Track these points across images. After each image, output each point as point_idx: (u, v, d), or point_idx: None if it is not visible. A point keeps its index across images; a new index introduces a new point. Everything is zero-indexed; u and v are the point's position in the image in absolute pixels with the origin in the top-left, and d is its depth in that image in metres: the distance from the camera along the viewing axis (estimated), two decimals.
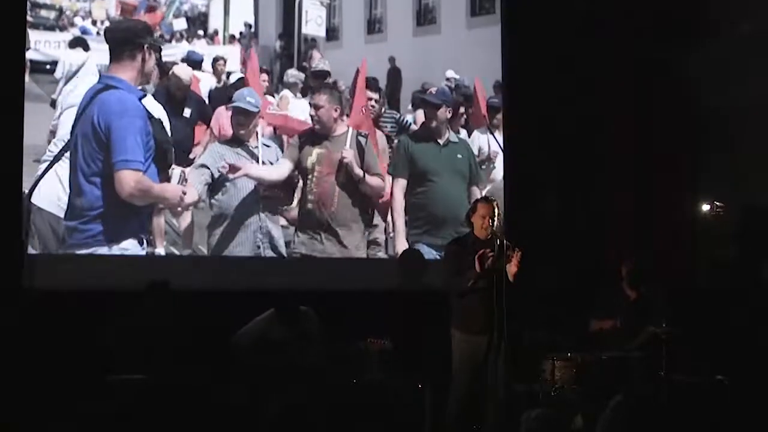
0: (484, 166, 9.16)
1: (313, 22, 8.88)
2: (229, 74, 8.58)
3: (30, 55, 7.88)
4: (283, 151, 8.49)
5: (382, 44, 9.11)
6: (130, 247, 7.69)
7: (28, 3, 7.89)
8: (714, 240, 8.89)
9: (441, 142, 8.85)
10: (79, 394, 6.85)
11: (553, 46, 9.22)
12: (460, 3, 9.29)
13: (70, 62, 7.95)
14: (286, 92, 8.70)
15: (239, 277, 8.06)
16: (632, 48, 9.43)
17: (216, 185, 8.19)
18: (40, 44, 7.96)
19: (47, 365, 7.18)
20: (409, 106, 9.04)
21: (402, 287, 7.71)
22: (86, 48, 8.02)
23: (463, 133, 9.13)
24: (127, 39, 7.50)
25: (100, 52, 7.90)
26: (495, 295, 6.51)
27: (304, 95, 8.69)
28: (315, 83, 8.69)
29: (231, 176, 8.13)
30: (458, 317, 6.84)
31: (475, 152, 9.08)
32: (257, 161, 8.33)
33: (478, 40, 9.29)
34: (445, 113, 8.82)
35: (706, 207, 8.34)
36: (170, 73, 8.17)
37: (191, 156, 8.20)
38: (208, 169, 8.15)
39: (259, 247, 8.26)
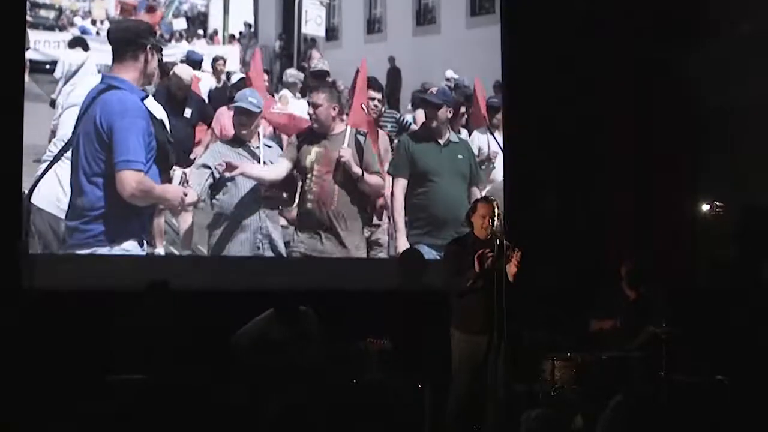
0: (483, 167, 9.16)
1: (312, 21, 8.87)
2: (228, 74, 8.58)
3: (29, 54, 7.88)
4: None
5: (381, 44, 9.10)
6: (130, 248, 7.69)
7: (28, 3, 7.89)
8: (714, 240, 8.89)
9: (441, 142, 8.85)
10: (79, 394, 6.85)
11: (553, 46, 9.22)
12: (459, 3, 9.28)
13: (70, 62, 7.95)
14: (285, 92, 8.69)
15: (239, 277, 8.06)
16: (632, 48, 9.42)
17: (217, 185, 8.20)
18: (40, 44, 7.96)
19: (47, 365, 7.17)
20: (409, 106, 9.04)
21: (402, 287, 7.71)
22: (86, 48, 8.02)
23: (464, 133, 9.12)
24: (130, 39, 7.50)
25: (99, 51, 7.92)
26: (495, 295, 6.50)
27: (303, 95, 8.68)
28: (314, 83, 8.69)
29: (227, 174, 8.13)
30: (458, 317, 6.84)
31: (475, 152, 9.08)
32: (259, 161, 8.33)
33: (478, 40, 9.29)
34: (445, 113, 8.83)
35: (706, 207, 8.34)
36: (171, 72, 8.17)
37: (192, 156, 8.20)
38: (210, 169, 8.16)
39: (259, 248, 8.26)
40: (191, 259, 8.09)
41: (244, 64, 8.67)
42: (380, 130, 8.87)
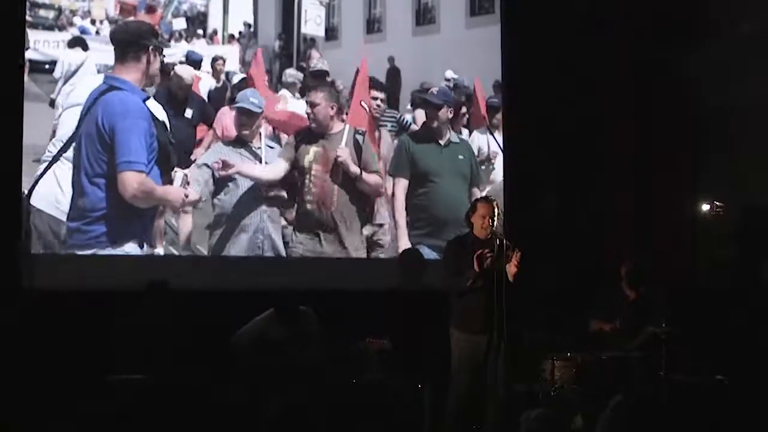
0: (483, 167, 9.16)
1: (312, 21, 8.87)
2: (228, 74, 8.58)
3: (29, 54, 7.88)
4: None
5: (381, 44, 9.10)
6: (131, 250, 7.70)
7: (27, 2, 7.89)
8: (714, 240, 8.89)
9: (442, 142, 8.85)
10: (79, 394, 6.84)
11: (552, 45, 9.22)
12: (459, 3, 9.28)
13: (69, 62, 7.95)
14: (284, 92, 8.69)
15: (239, 277, 8.06)
16: (632, 48, 9.42)
17: (218, 185, 8.19)
18: (39, 44, 7.96)
19: (47, 365, 7.18)
20: (409, 106, 9.03)
21: (402, 287, 7.70)
22: (85, 48, 8.02)
23: (465, 133, 9.12)
24: (132, 40, 7.51)
25: (99, 51, 7.93)
26: (495, 295, 6.50)
27: (302, 95, 8.67)
28: (313, 83, 8.68)
29: (222, 173, 8.12)
30: (458, 317, 6.84)
31: (475, 152, 9.07)
32: (260, 162, 8.33)
33: (478, 40, 9.28)
34: (446, 113, 8.82)
35: (706, 207, 8.33)
36: (172, 72, 8.17)
37: (193, 157, 8.19)
38: (210, 168, 8.15)
39: (260, 248, 8.26)
40: (191, 259, 8.09)
41: (244, 63, 8.67)
42: (382, 130, 8.86)
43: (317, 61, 8.81)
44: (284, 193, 8.43)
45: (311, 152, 8.43)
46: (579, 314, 7.77)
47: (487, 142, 9.22)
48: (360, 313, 7.54)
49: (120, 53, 7.52)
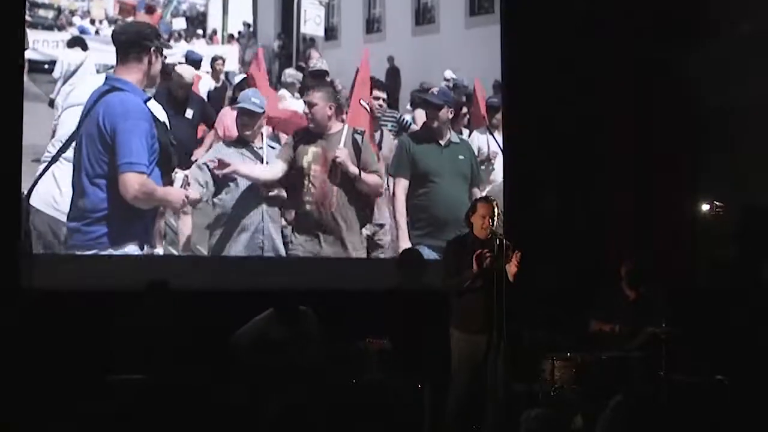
0: (483, 167, 9.15)
1: (311, 21, 8.86)
2: (227, 74, 8.57)
3: (28, 54, 7.87)
4: None
5: (380, 44, 9.09)
6: (132, 251, 7.71)
7: (27, 2, 7.88)
8: (714, 240, 8.89)
9: (442, 143, 8.84)
10: (79, 394, 6.84)
11: (552, 45, 9.22)
12: (458, 2, 9.28)
13: (69, 62, 7.95)
14: (283, 92, 8.68)
15: (239, 277, 8.06)
16: (632, 48, 9.42)
17: (219, 185, 8.18)
18: (39, 44, 7.96)
19: (47, 365, 7.18)
20: (408, 106, 9.03)
21: (402, 287, 7.69)
22: (85, 48, 8.02)
23: (465, 133, 9.11)
24: (134, 41, 7.51)
25: (98, 51, 7.92)
26: (494, 295, 6.50)
27: (302, 95, 8.66)
28: (312, 82, 8.67)
29: (217, 172, 8.10)
30: (457, 317, 6.84)
31: (475, 152, 9.07)
32: (262, 162, 8.32)
33: (477, 40, 9.28)
34: (446, 114, 8.82)
35: (706, 207, 8.33)
36: (172, 71, 8.16)
37: (193, 158, 8.19)
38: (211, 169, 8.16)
39: (261, 248, 8.25)
40: (191, 259, 8.08)
41: (243, 63, 8.67)
42: (384, 130, 8.85)
43: (317, 60, 8.81)
44: (284, 193, 8.43)
45: (310, 153, 8.42)
46: (579, 314, 7.76)
47: (487, 142, 9.22)
48: (360, 313, 7.53)
49: (121, 54, 7.53)
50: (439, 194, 8.83)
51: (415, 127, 8.96)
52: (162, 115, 7.70)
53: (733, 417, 6.91)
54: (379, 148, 8.84)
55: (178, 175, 7.94)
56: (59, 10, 8.08)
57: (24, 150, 7.65)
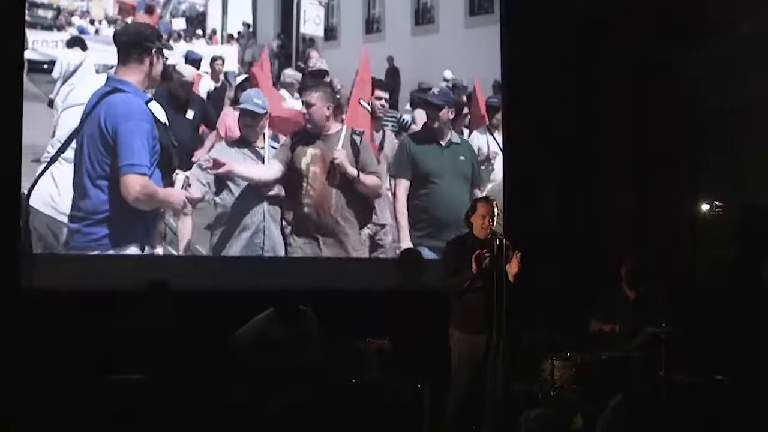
0: (483, 167, 9.15)
1: (311, 21, 8.85)
2: (226, 74, 8.56)
3: (27, 54, 7.87)
4: None
5: (380, 44, 9.09)
6: (133, 253, 7.70)
7: (26, 2, 7.87)
8: (714, 240, 8.88)
9: (443, 143, 8.83)
10: (79, 394, 6.84)
11: (552, 45, 9.21)
12: (458, 2, 9.27)
13: (68, 62, 7.94)
14: (283, 92, 8.67)
15: (239, 277, 8.06)
16: (632, 48, 9.42)
17: (219, 185, 8.17)
18: (38, 44, 7.95)
19: (47, 365, 7.18)
20: (407, 106, 9.02)
21: (401, 287, 7.69)
22: (84, 48, 8.02)
23: (466, 133, 9.11)
24: (136, 42, 7.52)
25: (98, 51, 7.93)
26: (494, 295, 6.50)
27: (301, 95, 8.65)
28: (309, 83, 8.64)
29: (211, 172, 8.07)
30: (457, 316, 6.84)
31: (475, 153, 9.07)
32: (263, 162, 8.30)
33: (477, 40, 9.28)
34: (447, 114, 8.81)
35: (706, 207, 8.33)
36: (173, 70, 8.14)
37: (194, 159, 8.17)
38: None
39: (260, 248, 8.24)
40: (191, 259, 8.08)
41: (243, 63, 8.66)
42: (386, 130, 8.83)
43: (316, 60, 8.79)
44: (284, 193, 8.41)
45: (308, 154, 8.39)
46: (579, 314, 7.76)
47: (487, 142, 9.21)
48: (360, 313, 7.53)
49: (123, 55, 7.53)
50: (439, 195, 8.83)
51: (414, 127, 8.95)
52: (162, 115, 7.69)
53: (733, 417, 6.91)
54: (381, 148, 8.82)
55: (179, 176, 7.93)
56: (58, 10, 8.08)
57: (23, 150, 7.64)
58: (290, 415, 4.21)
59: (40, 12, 8.03)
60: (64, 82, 7.87)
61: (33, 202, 7.59)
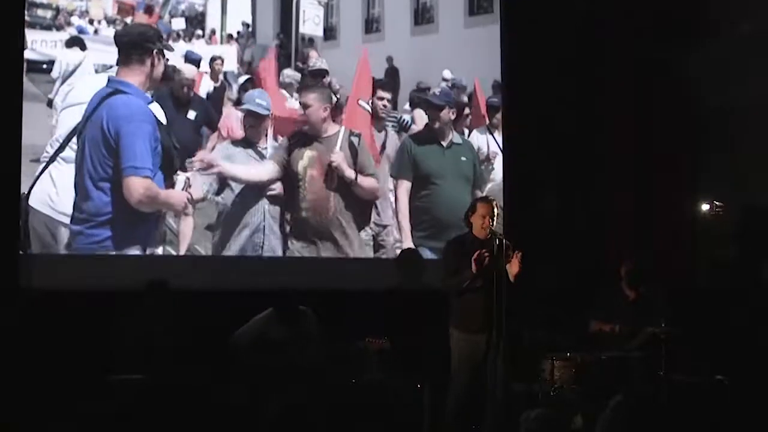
0: (482, 167, 9.14)
1: (310, 21, 8.84)
2: (226, 74, 8.56)
3: (26, 54, 7.86)
4: None
5: (379, 43, 9.08)
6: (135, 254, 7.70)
7: (25, 2, 7.87)
8: (714, 240, 8.88)
9: (444, 144, 8.81)
10: (79, 394, 6.84)
11: (552, 45, 9.21)
12: (458, 2, 9.26)
13: (67, 62, 7.94)
14: (282, 92, 8.65)
15: (239, 277, 8.05)
16: (632, 48, 9.41)
17: (221, 184, 8.16)
18: (37, 44, 7.95)
19: (47, 365, 7.17)
20: (407, 105, 9.01)
21: (401, 287, 7.69)
22: (83, 47, 8.01)
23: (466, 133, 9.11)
24: (137, 43, 7.51)
25: (97, 51, 7.92)
26: (494, 295, 6.50)
27: (299, 96, 8.61)
28: (307, 83, 8.61)
29: (203, 173, 8.03)
30: (457, 316, 6.84)
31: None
32: None
33: (476, 40, 9.27)
34: (448, 114, 8.79)
35: (706, 207, 8.33)
36: (175, 69, 8.13)
37: (195, 160, 8.17)
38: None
39: (260, 248, 8.23)
40: (191, 259, 8.08)
41: (242, 63, 8.65)
42: (390, 131, 8.81)
43: (316, 60, 8.77)
44: (284, 193, 8.38)
45: (305, 157, 8.33)
46: (579, 314, 7.76)
47: (487, 142, 9.20)
48: (360, 313, 7.54)
49: (124, 56, 7.53)
50: (441, 196, 8.80)
51: (414, 127, 8.94)
52: (164, 117, 7.69)
53: (733, 417, 6.90)
54: (384, 148, 8.79)
55: (180, 177, 7.92)
56: (57, 10, 8.07)
57: (23, 150, 7.64)
58: (290, 415, 4.20)
59: (39, 12, 8.02)
60: (63, 82, 7.86)
61: (31, 201, 7.59)
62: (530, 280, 6.69)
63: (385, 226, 8.71)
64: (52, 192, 7.57)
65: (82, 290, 7.49)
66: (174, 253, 8.03)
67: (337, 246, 8.43)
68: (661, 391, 6.85)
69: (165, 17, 8.43)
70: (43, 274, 7.54)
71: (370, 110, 8.62)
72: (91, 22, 8.17)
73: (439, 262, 7.53)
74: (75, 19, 8.11)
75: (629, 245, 9.04)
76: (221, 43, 8.67)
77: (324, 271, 8.38)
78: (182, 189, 7.92)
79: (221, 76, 8.52)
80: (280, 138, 8.42)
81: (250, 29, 8.70)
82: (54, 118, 7.72)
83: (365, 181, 8.50)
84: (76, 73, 7.90)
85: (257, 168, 8.27)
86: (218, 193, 8.16)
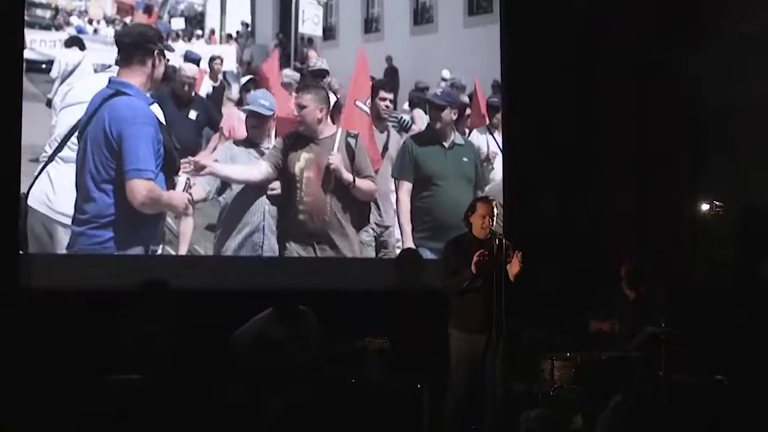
0: (482, 167, 9.13)
1: (309, 21, 8.83)
2: (225, 74, 8.55)
3: (26, 54, 7.86)
4: None
5: (379, 43, 9.07)
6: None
7: (25, 2, 7.87)
8: (714, 240, 8.87)
9: (446, 144, 8.78)
10: (78, 395, 6.84)
11: (552, 45, 9.20)
12: (457, 2, 9.24)
13: (66, 61, 7.93)
14: (285, 92, 8.63)
15: (239, 277, 8.04)
16: (632, 48, 9.41)
17: (223, 184, 8.14)
18: (36, 43, 7.95)
19: (46, 365, 7.17)
20: (406, 105, 9.00)
21: (401, 287, 7.70)
22: (82, 47, 8.01)
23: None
24: (138, 44, 7.49)
25: (96, 51, 7.91)
26: (494, 295, 6.49)
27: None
28: (304, 83, 8.57)
29: (194, 175, 7.99)
30: (456, 316, 6.84)
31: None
32: None
33: (476, 39, 9.26)
34: (450, 115, 8.75)
35: (706, 207, 8.32)
36: (175, 69, 8.12)
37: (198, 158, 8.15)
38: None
39: (260, 248, 8.22)
40: (191, 259, 8.07)
41: (242, 63, 8.65)
42: (392, 131, 8.79)
43: (317, 60, 8.75)
44: (281, 194, 8.36)
45: (302, 159, 8.25)
46: (579, 314, 7.76)
47: (487, 142, 9.19)
48: (360, 313, 7.53)
49: (125, 57, 7.50)
50: (442, 197, 8.77)
51: (414, 127, 8.93)
52: (163, 117, 7.68)
53: (733, 417, 6.90)
54: (386, 149, 8.76)
55: (181, 178, 7.91)
56: (56, 10, 8.07)
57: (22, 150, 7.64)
58: (290, 415, 4.20)
59: (38, 12, 8.02)
60: (62, 82, 7.86)
61: (30, 201, 7.59)
62: (530, 280, 6.69)
63: (387, 227, 8.68)
64: (49, 191, 7.57)
65: (82, 290, 7.49)
66: (174, 253, 8.02)
67: (335, 247, 8.39)
68: (661, 391, 6.85)
69: (164, 17, 8.42)
70: (43, 274, 7.53)
71: (368, 111, 8.56)
72: (90, 21, 8.17)
73: (439, 263, 7.54)
74: (74, 19, 8.11)
75: (629, 245, 9.03)
76: (220, 42, 8.67)
77: (324, 271, 8.36)
78: (183, 190, 7.91)
79: (220, 76, 8.51)
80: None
81: (249, 29, 8.69)
82: (53, 118, 7.72)
83: (363, 183, 8.41)
84: (75, 72, 7.90)
85: (250, 168, 8.21)
86: (220, 193, 8.14)
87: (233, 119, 8.33)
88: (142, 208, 7.55)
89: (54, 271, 7.57)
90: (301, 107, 8.21)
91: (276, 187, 8.27)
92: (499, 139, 9.22)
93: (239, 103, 8.39)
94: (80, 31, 8.09)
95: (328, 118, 8.34)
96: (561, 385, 6.93)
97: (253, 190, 8.22)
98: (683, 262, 9.13)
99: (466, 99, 9.09)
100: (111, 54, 7.66)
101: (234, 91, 8.56)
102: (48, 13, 8.05)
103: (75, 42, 8.01)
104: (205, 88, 8.42)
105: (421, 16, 9.17)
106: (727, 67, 8.64)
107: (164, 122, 7.68)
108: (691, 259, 9.18)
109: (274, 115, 8.22)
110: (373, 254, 8.60)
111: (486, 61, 9.17)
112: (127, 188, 7.45)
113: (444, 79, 9.03)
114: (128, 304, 7.11)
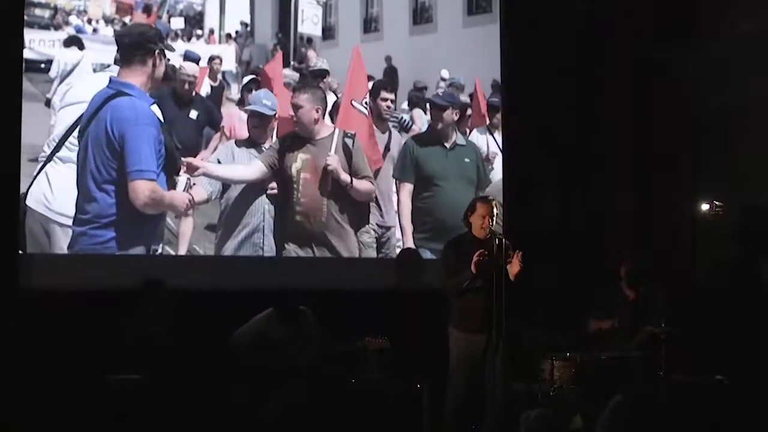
0: (484, 167, 9.13)
1: (309, 21, 8.83)
2: (224, 73, 8.55)
3: (25, 54, 7.86)
4: None
5: (378, 43, 9.07)
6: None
7: (24, 2, 7.86)
8: (714, 240, 8.87)
9: (447, 145, 8.75)
10: (77, 394, 6.84)
11: (552, 45, 9.20)
12: (456, 1, 9.25)
13: (65, 61, 7.93)
14: (287, 93, 8.62)
15: (239, 277, 8.04)
16: (632, 48, 9.41)
17: (225, 185, 8.13)
18: (35, 43, 7.95)
19: (46, 365, 7.17)
20: (404, 105, 8.99)
21: (400, 287, 7.69)
22: (81, 47, 8.01)
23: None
24: (139, 43, 7.47)
25: (95, 51, 7.91)
26: (494, 295, 6.49)
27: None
28: (302, 84, 8.54)
29: (187, 176, 7.95)
30: (456, 316, 6.84)
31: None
32: None
33: (475, 39, 9.26)
34: (451, 115, 8.73)
35: (706, 207, 8.31)
36: (175, 69, 8.12)
37: (200, 158, 8.15)
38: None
39: (261, 248, 8.22)
40: (191, 259, 8.07)
41: (241, 63, 8.64)
42: (394, 131, 8.77)
43: (316, 60, 8.74)
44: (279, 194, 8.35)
45: (299, 160, 8.20)
46: (579, 314, 7.76)
47: (487, 142, 9.19)
48: (360, 313, 7.53)
49: (125, 57, 7.47)
50: (443, 198, 8.74)
51: (414, 128, 8.92)
52: (162, 117, 7.69)
53: (733, 417, 6.90)
54: (388, 149, 8.73)
55: (181, 178, 7.91)
56: (56, 9, 8.07)
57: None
58: (290, 415, 4.20)
59: (37, 11, 8.02)
60: (61, 82, 7.86)
61: (28, 201, 7.58)
62: (530, 280, 6.69)
63: (389, 228, 8.67)
64: (47, 191, 7.57)
65: (82, 290, 7.49)
66: (173, 253, 8.01)
67: (333, 249, 8.36)
68: (661, 391, 6.85)
69: (163, 17, 8.42)
70: (42, 274, 7.53)
71: (365, 111, 8.49)
72: (89, 21, 8.17)
73: (439, 263, 7.53)
74: (73, 19, 8.12)
75: (629, 245, 9.03)
76: (220, 42, 8.67)
77: (324, 271, 8.36)
78: (184, 190, 7.91)
79: (220, 76, 8.51)
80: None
81: (249, 29, 8.69)
82: (52, 118, 7.71)
83: (360, 184, 8.36)
84: (74, 72, 7.90)
85: (243, 168, 8.18)
86: (222, 193, 8.14)
87: (234, 119, 8.32)
88: (145, 208, 7.54)
89: (54, 271, 7.56)
90: (296, 107, 8.12)
91: (275, 186, 8.25)
92: (499, 139, 9.22)
93: (240, 102, 8.39)
94: (79, 30, 8.09)
95: (327, 118, 8.32)
96: (561, 385, 6.93)
97: (253, 191, 8.20)
98: (683, 262, 9.12)
99: (465, 99, 9.09)
100: (110, 53, 7.66)
101: (233, 91, 8.56)
102: (47, 13, 8.05)
103: (74, 41, 8.01)
104: (204, 87, 8.42)
105: (421, 16, 9.17)
106: (727, 67, 8.64)
107: (164, 122, 7.67)
108: (691, 259, 9.18)
109: (276, 115, 8.20)
110: (373, 255, 8.58)
111: (485, 61, 9.16)
112: (129, 189, 7.44)
113: (443, 79, 9.03)
114: (128, 304, 7.11)
